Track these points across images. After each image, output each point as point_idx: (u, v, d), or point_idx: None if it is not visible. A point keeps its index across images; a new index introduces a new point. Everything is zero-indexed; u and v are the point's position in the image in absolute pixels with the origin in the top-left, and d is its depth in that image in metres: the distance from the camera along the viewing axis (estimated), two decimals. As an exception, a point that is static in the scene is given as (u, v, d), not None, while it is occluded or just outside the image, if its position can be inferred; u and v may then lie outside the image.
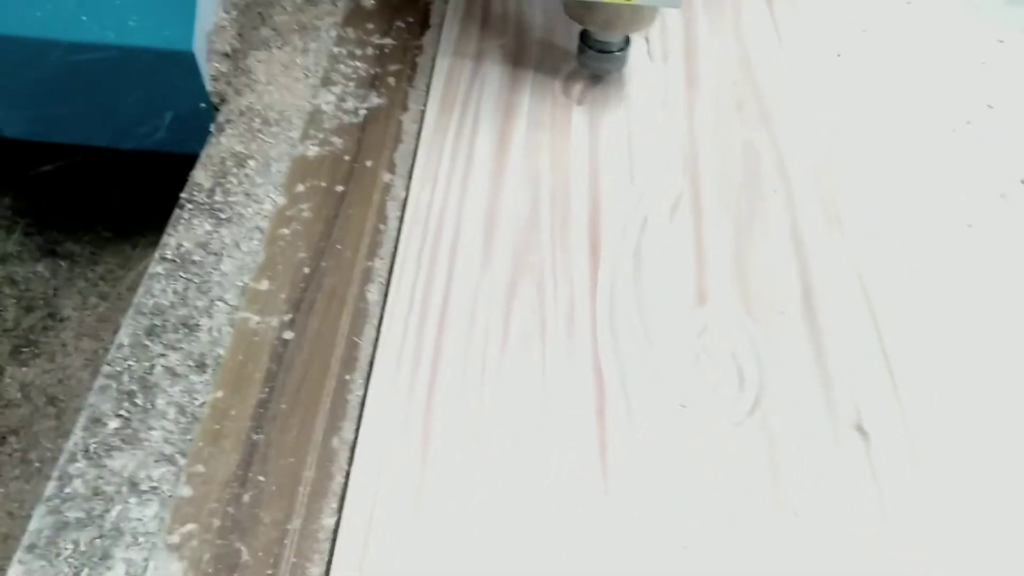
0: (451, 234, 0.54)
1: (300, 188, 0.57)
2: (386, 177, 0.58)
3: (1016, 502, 0.42)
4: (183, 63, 0.65)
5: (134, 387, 0.47)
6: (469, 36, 0.69)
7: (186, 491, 0.42)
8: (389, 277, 0.51)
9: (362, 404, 0.45)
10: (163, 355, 0.48)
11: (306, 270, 0.52)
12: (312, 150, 0.59)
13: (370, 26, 0.70)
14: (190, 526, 0.41)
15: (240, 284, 0.52)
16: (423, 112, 0.62)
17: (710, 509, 0.41)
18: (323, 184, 0.57)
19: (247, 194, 0.57)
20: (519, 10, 0.72)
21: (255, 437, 0.44)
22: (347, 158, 0.59)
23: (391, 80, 0.65)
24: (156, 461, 0.44)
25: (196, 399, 0.46)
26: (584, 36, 0.62)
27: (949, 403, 0.46)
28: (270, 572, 0.39)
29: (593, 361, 0.47)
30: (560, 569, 0.39)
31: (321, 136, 0.60)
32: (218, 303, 0.51)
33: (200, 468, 0.43)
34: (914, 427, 0.44)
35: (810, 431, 0.44)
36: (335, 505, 0.42)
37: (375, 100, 0.63)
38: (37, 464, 0.83)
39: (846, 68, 0.68)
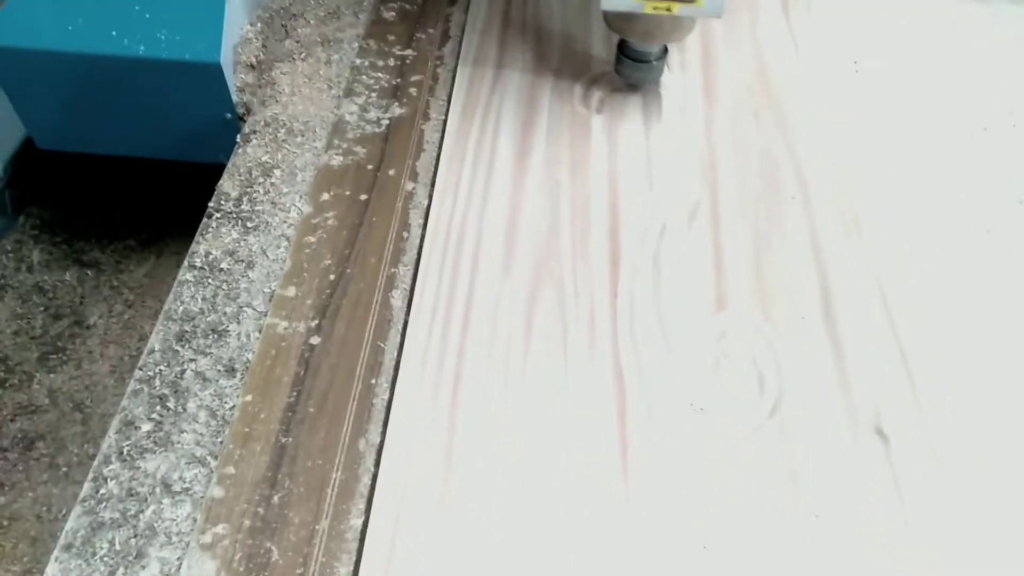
0: (473, 241, 0.55)
1: (325, 197, 0.58)
2: (409, 186, 0.59)
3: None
4: (211, 75, 0.67)
5: (166, 391, 0.48)
6: (488, 47, 0.70)
7: (218, 492, 0.43)
8: (413, 283, 0.52)
9: (388, 407, 0.46)
10: (193, 360, 0.50)
11: (332, 277, 0.53)
12: (336, 159, 0.60)
13: (391, 38, 0.71)
14: (222, 526, 0.42)
15: (268, 291, 0.53)
16: (444, 122, 0.63)
17: (730, 511, 0.42)
18: (347, 193, 0.58)
19: (273, 203, 0.58)
20: (537, 22, 0.73)
21: (284, 440, 0.45)
22: (370, 167, 0.60)
23: (412, 91, 0.66)
24: (188, 463, 0.45)
25: (226, 403, 0.47)
26: (622, 46, 0.63)
27: (968, 406, 0.46)
28: (300, 571, 0.40)
29: (614, 366, 0.48)
30: (582, 568, 0.40)
31: (345, 146, 0.61)
32: (246, 309, 0.52)
33: (231, 470, 0.44)
34: (933, 430, 0.45)
35: (830, 435, 0.45)
36: (362, 506, 0.43)
37: (397, 110, 0.64)
38: (64, 468, 0.85)
39: (863, 75, 0.68)
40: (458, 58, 0.69)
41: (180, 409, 0.47)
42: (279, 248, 0.55)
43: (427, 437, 0.45)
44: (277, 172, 0.60)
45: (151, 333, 0.51)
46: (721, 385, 0.47)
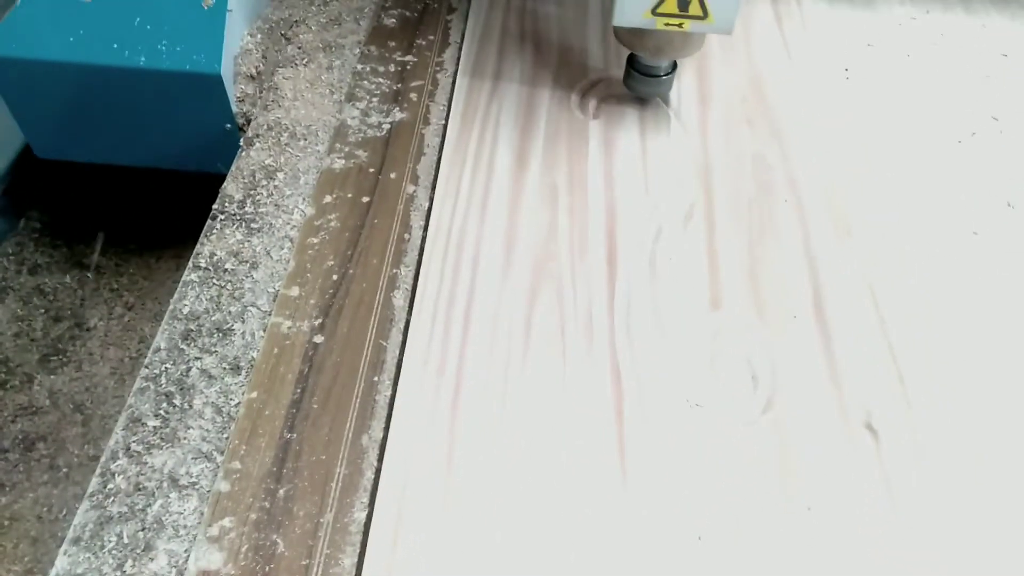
0: (473, 243, 0.56)
1: (328, 199, 0.59)
2: (410, 189, 0.60)
3: (1018, 499, 0.44)
4: (211, 86, 0.68)
5: (172, 388, 0.49)
6: (488, 54, 0.71)
7: (224, 486, 0.44)
8: (414, 284, 0.53)
9: (390, 404, 0.47)
10: (199, 358, 0.51)
11: (335, 277, 0.54)
12: (338, 163, 0.62)
13: (392, 44, 0.73)
14: (228, 519, 0.43)
15: (271, 291, 0.54)
16: (445, 126, 0.64)
17: (724, 504, 0.43)
18: (349, 195, 0.59)
19: (277, 205, 0.59)
20: (535, 30, 0.75)
21: (288, 435, 0.46)
22: (372, 170, 0.61)
23: (413, 96, 0.67)
24: (194, 458, 0.46)
25: (231, 400, 0.48)
26: (631, 60, 0.63)
27: (955, 402, 0.47)
28: (305, 563, 0.41)
29: (611, 363, 0.49)
30: (582, 559, 0.41)
31: (347, 149, 0.63)
32: (251, 308, 0.53)
33: (237, 465, 0.45)
34: (922, 426, 0.46)
35: (821, 429, 0.46)
36: (365, 500, 0.44)
37: (398, 115, 0.66)
38: (65, 469, 0.85)
39: (853, 83, 0.70)
40: (458, 64, 0.70)
41: (186, 406, 0.48)
42: (282, 249, 0.56)
43: (429, 432, 0.46)
44: (280, 175, 0.61)
45: (151, 335, 0.52)
46: (716, 382, 0.48)
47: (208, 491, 0.44)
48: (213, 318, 0.53)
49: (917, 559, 0.41)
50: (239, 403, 0.48)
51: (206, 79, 0.68)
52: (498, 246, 0.56)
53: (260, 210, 0.59)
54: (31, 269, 0.99)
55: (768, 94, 0.68)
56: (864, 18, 0.77)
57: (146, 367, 0.50)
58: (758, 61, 0.72)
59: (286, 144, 0.64)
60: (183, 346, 0.51)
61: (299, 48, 0.72)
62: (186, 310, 0.53)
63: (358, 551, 0.42)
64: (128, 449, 0.47)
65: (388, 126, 0.65)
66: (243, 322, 0.52)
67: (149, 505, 0.44)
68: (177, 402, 0.48)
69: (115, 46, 0.68)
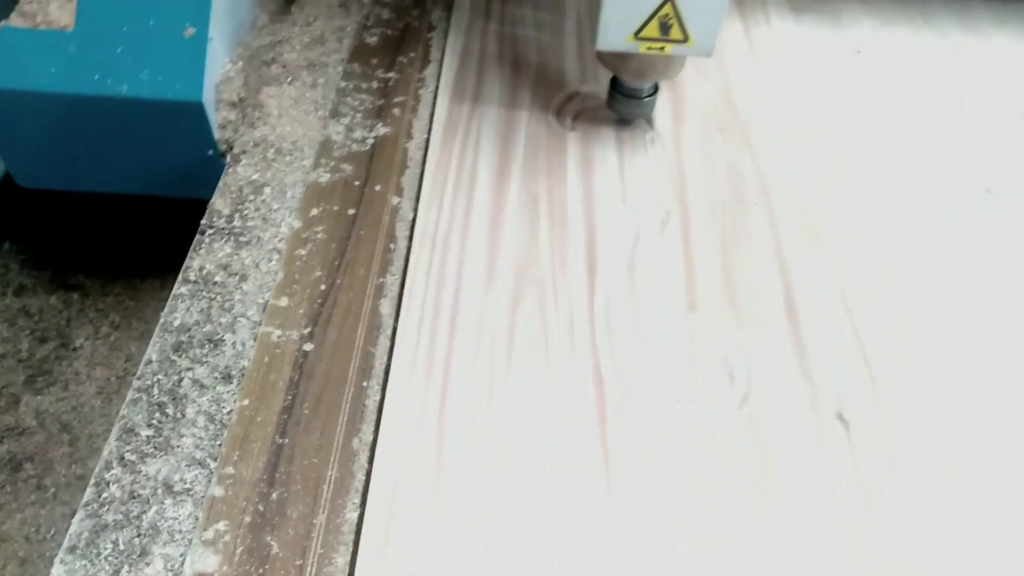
0: (457, 252, 0.57)
1: (314, 212, 0.60)
2: (394, 200, 0.62)
3: (987, 482, 0.46)
4: (193, 113, 0.69)
5: (164, 399, 0.50)
6: (468, 70, 0.73)
7: (218, 491, 0.45)
8: (401, 292, 0.55)
9: (379, 408, 0.49)
10: (190, 369, 0.52)
11: (322, 287, 0.55)
12: (324, 177, 0.63)
13: (374, 61, 0.75)
14: (223, 523, 0.44)
15: (261, 301, 0.55)
16: (427, 140, 0.66)
17: (705, 495, 0.44)
18: (336, 208, 0.61)
19: (264, 219, 0.60)
20: (514, 46, 0.77)
21: (280, 441, 0.47)
22: (357, 183, 0.63)
23: (396, 111, 0.69)
24: (188, 465, 0.47)
25: (224, 408, 0.49)
26: (614, 82, 0.65)
27: (921, 392, 0.50)
28: (299, 563, 0.42)
29: (593, 365, 0.51)
30: (568, 554, 0.42)
31: (332, 163, 0.64)
32: (241, 319, 0.54)
33: (230, 470, 0.46)
34: (889, 414, 0.48)
35: (795, 421, 0.48)
36: (357, 501, 0.45)
37: (382, 129, 0.67)
38: (52, 489, 0.85)
39: (821, 92, 0.73)
40: (439, 80, 0.72)
41: (179, 415, 0.49)
42: (271, 261, 0.58)
43: (418, 434, 0.47)
44: (267, 190, 0.63)
45: (138, 354, 0.53)
46: (694, 381, 0.50)
47: (202, 496, 0.45)
48: (204, 329, 0.54)
49: (887, 543, 0.43)
50: (231, 411, 0.49)
51: (188, 107, 0.68)
52: (481, 255, 0.57)
53: (248, 224, 0.60)
54: (16, 290, 1.00)
55: (738, 103, 0.71)
56: (829, 32, 0.80)
57: (138, 379, 0.51)
58: (729, 72, 0.74)
59: (272, 160, 0.65)
60: (174, 357, 0.52)
61: (283, 67, 0.74)
62: (177, 322, 0.54)
63: (351, 550, 0.43)
64: (122, 458, 0.47)
65: (372, 140, 0.67)
66: (233, 332, 0.53)
67: (144, 512, 0.45)
68: (170, 411, 0.49)
69: (97, 75, 0.68)
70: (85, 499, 0.46)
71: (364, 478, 0.46)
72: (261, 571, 0.42)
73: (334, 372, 0.51)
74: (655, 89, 0.65)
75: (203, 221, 0.61)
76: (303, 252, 0.58)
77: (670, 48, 0.58)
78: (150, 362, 0.52)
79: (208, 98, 0.69)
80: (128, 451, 0.48)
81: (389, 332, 0.53)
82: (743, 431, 0.47)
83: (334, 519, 0.44)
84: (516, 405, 0.48)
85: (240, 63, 0.74)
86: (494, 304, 0.54)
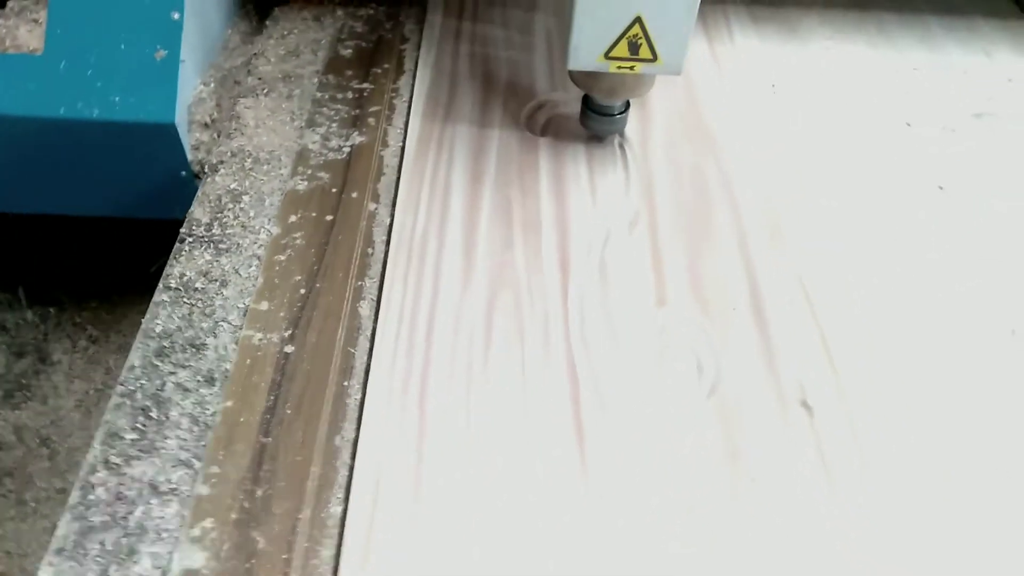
0: (434, 255, 0.59)
1: (293, 219, 0.62)
2: (371, 206, 0.63)
3: (946, 462, 0.48)
4: (166, 135, 0.69)
5: (148, 403, 0.51)
6: (441, 79, 0.75)
7: (204, 490, 0.46)
8: (379, 294, 0.56)
9: (360, 406, 0.50)
10: (173, 373, 0.53)
11: (302, 291, 0.57)
12: (302, 184, 0.65)
13: (349, 72, 0.76)
14: (209, 520, 0.45)
15: (242, 306, 0.56)
16: (402, 148, 0.68)
17: (677, 480, 0.46)
18: (313, 214, 0.62)
19: (243, 226, 0.62)
20: (485, 57, 0.79)
21: (264, 440, 0.48)
22: (334, 190, 0.64)
23: (371, 120, 0.71)
24: (173, 466, 0.48)
25: (207, 409, 0.50)
26: (587, 100, 0.66)
27: (881, 377, 0.52)
28: (285, 557, 0.43)
29: (567, 360, 0.53)
30: (545, 541, 0.44)
31: (309, 172, 0.66)
32: (222, 324, 0.55)
33: (215, 469, 0.47)
34: (852, 400, 0.51)
35: (761, 409, 0.50)
36: (341, 495, 0.46)
37: (358, 138, 0.69)
38: (33, 504, 0.85)
39: (780, 96, 0.76)
40: (412, 90, 0.74)
41: (163, 418, 0.50)
42: (251, 267, 0.59)
43: (398, 430, 0.48)
44: (246, 198, 0.64)
45: (116, 367, 0.54)
46: (664, 372, 0.52)
47: (188, 496, 0.46)
48: (185, 334, 0.55)
49: (849, 521, 0.45)
50: (215, 412, 0.50)
51: (160, 128, 0.69)
52: (457, 257, 0.59)
53: (227, 231, 0.61)
54: (-9, 306, 0.99)
55: (702, 109, 0.73)
56: (788, 40, 0.84)
57: (121, 384, 0.52)
58: (692, 78, 0.77)
59: (250, 169, 0.66)
60: (157, 362, 0.53)
61: (259, 79, 0.75)
62: (158, 328, 0.55)
63: (336, 543, 0.44)
64: (107, 462, 0.48)
65: (348, 149, 0.68)
66: (215, 337, 0.54)
67: (130, 512, 0.46)
68: (154, 415, 0.50)
69: (67, 99, 0.68)
70: (71, 502, 0.47)
71: (347, 474, 0.47)
72: (248, 566, 0.43)
73: (315, 373, 0.52)
74: (627, 106, 0.67)
75: (182, 230, 0.62)
76: (282, 258, 0.59)
77: (640, 67, 0.59)
78: (133, 367, 0.53)
79: (181, 119, 0.70)
80: (113, 454, 0.48)
81: (368, 333, 0.54)
82: (711, 418, 0.49)
83: (318, 513, 0.45)
84: (494, 400, 0.50)
85: (212, 84, 0.75)
86: (470, 304, 0.56)
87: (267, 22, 0.83)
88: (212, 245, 0.60)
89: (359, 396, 0.51)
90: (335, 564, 0.43)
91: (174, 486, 0.47)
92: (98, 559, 0.44)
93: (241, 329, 0.55)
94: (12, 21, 0.73)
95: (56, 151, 0.72)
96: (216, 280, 0.58)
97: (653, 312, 0.56)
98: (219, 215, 0.63)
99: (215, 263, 0.59)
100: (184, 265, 0.59)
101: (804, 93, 0.77)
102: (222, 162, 0.67)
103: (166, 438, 0.49)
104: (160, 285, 0.58)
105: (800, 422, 0.49)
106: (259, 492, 0.46)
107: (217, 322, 0.55)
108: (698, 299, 0.57)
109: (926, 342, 0.55)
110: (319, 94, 0.73)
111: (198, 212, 0.63)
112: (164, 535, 0.45)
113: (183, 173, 0.72)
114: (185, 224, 0.62)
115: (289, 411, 0.50)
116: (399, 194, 0.63)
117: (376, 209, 0.63)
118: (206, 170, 0.68)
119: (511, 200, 0.64)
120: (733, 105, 0.74)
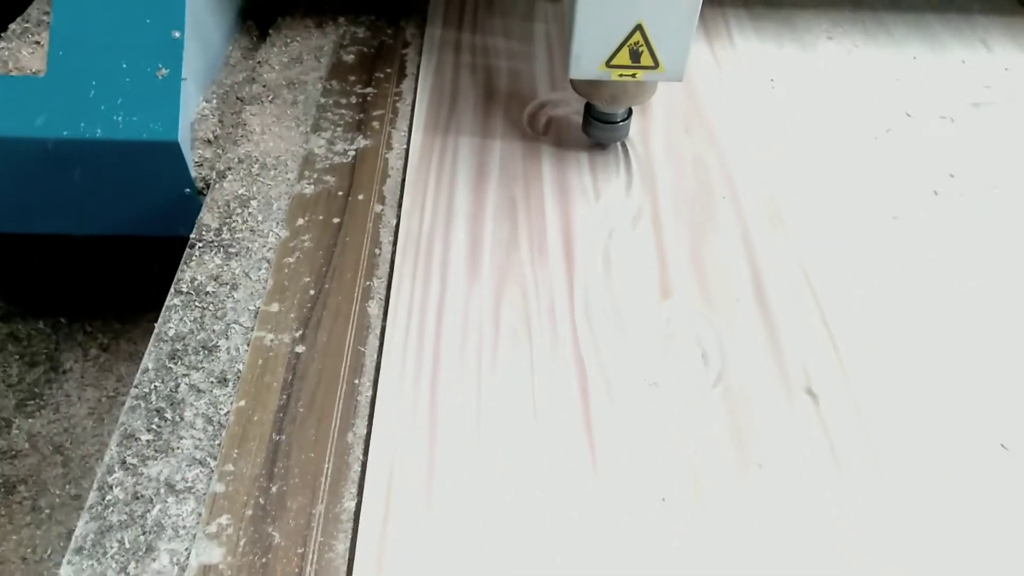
0: (440, 254, 0.60)
1: (300, 222, 0.63)
2: (377, 208, 0.64)
3: (950, 446, 0.48)
4: (169, 153, 0.69)
5: (162, 404, 0.52)
6: (443, 82, 0.76)
7: (219, 487, 0.47)
8: (387, 293, 0.57)
9: (371, 403, 0.51)
10: (186, 375, 0.53)
11: (312, 292, 0.58)
12: (308, 188, 0.65)
13: (352, 78, 0.77)
14: (225, 517, 0.45)
15: (252, 308, 0.57)
16: (407, 150, 0.69)
17: (685, 468, 0.47)
18: (321, 217, 0.63)
19: (252, 230, 0.62)
20: (485, 59, 0.80)
21: (277, 437, 0.49)
22: (341, 193, 0.65)
23: (375, 124, 0.72)
24: (189, 465, 0.49)
25: (221, 409, 0.51)
26: (589, 108, 0.66)
27: (884, 364, 0.53)
28: (300, 551, 0.44)
29: (575, 352, 0.53)
30: (558, 528, 0.44)
31: (316, 176, 0.67)
32: (234, 326, 0.56)
33: (230, 467, 0.48)
34: (856, 387, 0.51)
35: (767, 396, 0.50)
36: (354, 490, 0.47)
37: (362, 142, 0.70)
38: (47, 511, 0.86)
39: (778, 92, 0.76)
40: (415, 93, 0.75)
41: (177, 418, 0.51)
42: (260, 270, 0.60)
43: (410, 425, 0.49)
44: (254, 203, 0.65)
45: (128, 375, 0.54)
46: (670, 362, 0.53)
47: (204, 493, 0.47)
48: (198, 337, 0.56)
49: (856, 506, 0.45)
50: (228, 412, 0.51)
51: (164, 147, 0.69)
52: (464, 255, 0.60)
53: (236, 236, 0.62)
54: (4, 316, 1.00)
55: (702, 104, 0.74)
56: (787, 36, 0.84)
57: (135, 387, 0.53)
58: (692, 75, 0.78)
59: (257, 174, 0.67)
60: (171, 365, 0.54)
61: (264, 86, 0.76)
62: (171, 332, 0.56)
63: (350, 537, 0.45)
64: (124, 462, 0.49)
65: (353, 152, 0.69)
66: (227, 338, 0.55)
67: (148, 511, 0.46)
68: (168, 416, 0.51)
69: (71, 119, 0.68)
70: (89, 503, 0.47)
71: (360, 469, 0.48)
72: (264, 560, 0.44)
73: (326, 371, 0.53)
74: (629, 113, 0.66)
75: (192, 235, 0.63)
76: (291, 260, 0.60)
77: (642, 75, 0.59)
78: (147, 370, 0.54)
79: (184, 137, 0.70)
80: (129, 455, 0.49)
81: (378, 331, 0.55)
82: (718, 406, 0.50)
83: (332, 508, 0.46)
84: (503, 394, 0.51)
85: (214, 100, 0.75)
86: (478, 300, 0.56)
87: (270, 30, 0.84)
88: (222, 249, 0.61)
89: (370, 393, 0.51)
90: (350, 557, 0.44)
91: (190, 484, 0.47)
92: (117, 557, 0.45)
93: (252, 330, 0.55)
94: (14, 43, 0.73)
95: (60, 172, 0.72)
96: (227, 283, 0.59)
97: (658, 303, 0.56)
98: (228, 220, 0.64)
99: (225, 267, 0.60)
100: (195, 270, 0.60)
101: (803, 86, 0.77)
102: (230, 168, 0.68)
103: (181, 438, 0.50)
104: (172, 289, 0.59)
105: (806, 409, 0.50)
106: (273, 489, 0.47)
107: (229, 324, 0.56)
108: (702, 290, 0.57)
109: (929, 328, 0.55)
110: (323, 99, 0.74)
111: (207, 218, 0.64)
112: (181, 532, 0.45)
113: (187, 190, 0.71)
114: (195, 229, 0.63)
115: (302, 409, 0.51)
116: (405, 195, 0.64)
117: (382, 211, 0.64)
118: (215, 177, 0.68)
119: (515, 198, 0.65)
120: (733, 100, 0.75)
